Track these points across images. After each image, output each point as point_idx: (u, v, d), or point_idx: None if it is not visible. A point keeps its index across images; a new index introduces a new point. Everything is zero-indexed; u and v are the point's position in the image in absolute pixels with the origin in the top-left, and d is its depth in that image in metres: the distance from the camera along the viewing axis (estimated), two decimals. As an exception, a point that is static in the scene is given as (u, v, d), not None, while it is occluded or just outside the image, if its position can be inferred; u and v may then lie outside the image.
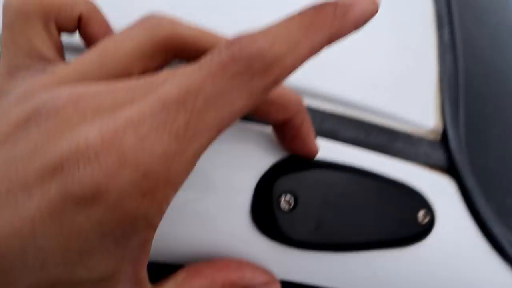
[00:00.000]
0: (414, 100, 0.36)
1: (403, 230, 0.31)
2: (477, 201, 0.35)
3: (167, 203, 0.16)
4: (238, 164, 0.29)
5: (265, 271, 0.26)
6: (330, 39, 0.17)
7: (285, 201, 0.28)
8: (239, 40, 0.15)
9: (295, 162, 0.29)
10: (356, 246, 0.31)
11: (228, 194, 0.28)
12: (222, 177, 0.28)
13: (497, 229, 0.34)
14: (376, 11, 0.19)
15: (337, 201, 0.29)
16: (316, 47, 0.17)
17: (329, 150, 0.31)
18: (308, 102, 0.33)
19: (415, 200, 0.32)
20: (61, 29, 0.22)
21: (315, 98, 0.33)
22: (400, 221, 0.31)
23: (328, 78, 0.33)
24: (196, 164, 0.17)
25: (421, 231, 0.32)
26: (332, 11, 0.17)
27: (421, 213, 0.32)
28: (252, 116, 0.25)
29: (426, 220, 0.32)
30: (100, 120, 0.14)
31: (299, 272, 0.31)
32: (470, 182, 0.35)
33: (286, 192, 0.28)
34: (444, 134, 0.36)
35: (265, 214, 0.28)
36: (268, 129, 0.30)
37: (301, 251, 0.30)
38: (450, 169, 0.36)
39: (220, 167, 0.29)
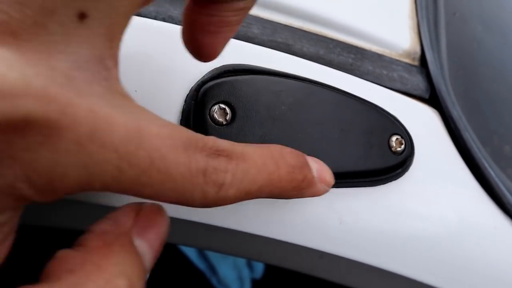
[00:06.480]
0: (386, 18, 0.31)
1: (376, 158, 0.26)
2: (464, 133, 0.29)
3: None
4: (169, 75, 0.24)
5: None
6: (280, 194, 0.18)
7: (220, 113, 0.22)
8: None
9: (233, 71, 0.24)
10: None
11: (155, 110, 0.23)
12: (150, 92, 0.23)
13: (485, 163, 0.29)
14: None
15: (286, 115, 0.24)
16: (271, 191, 0.17)
17: (281, 62, 0.26)
18: (258, 12, 0.28)
19: (386, 123, 0.26)
20: None
21: (267, 8, 0.28)
22: (369, 146, 0.26)
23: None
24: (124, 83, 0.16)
25: (398, 163, 0.27)
26: (303, 178, 0.19)
27: (394, 139, 0.27)
28: None
29: (401, 148, 0.27)
30: None
31: (239, 216, 0.24)
32: (455, 112, 0.30)
33: (219, 102, 0.22)
34: (423, 58, 0.31)
35: (196, 128, 0.22)
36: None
37: None
38: (432, 97, 0.31)
39: (149, 79, 0.23)
